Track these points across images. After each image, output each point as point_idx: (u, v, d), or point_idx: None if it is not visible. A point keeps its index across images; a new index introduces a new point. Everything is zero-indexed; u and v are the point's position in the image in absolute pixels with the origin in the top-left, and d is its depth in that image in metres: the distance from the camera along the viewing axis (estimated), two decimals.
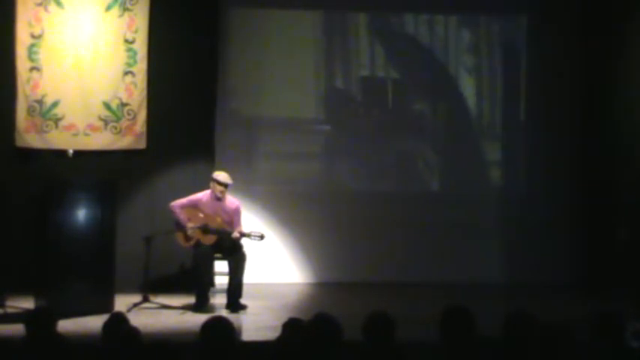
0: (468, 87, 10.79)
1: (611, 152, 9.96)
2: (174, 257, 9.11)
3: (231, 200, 8.63)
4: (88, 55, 9.24)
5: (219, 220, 8.47)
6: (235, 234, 8.38)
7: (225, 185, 8.50)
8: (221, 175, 8.56)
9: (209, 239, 8.43)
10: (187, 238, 8.46)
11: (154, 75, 9.41)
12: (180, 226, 8.47)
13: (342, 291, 9.53)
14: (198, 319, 6.14)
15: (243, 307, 8.38)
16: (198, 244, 8.44)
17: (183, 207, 8.50)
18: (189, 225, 8.41)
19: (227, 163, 9.86)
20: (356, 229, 10.11)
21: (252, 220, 9.44)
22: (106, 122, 9.32)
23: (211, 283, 8.91)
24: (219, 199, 8.50)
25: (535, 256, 10.24)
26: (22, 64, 9.14)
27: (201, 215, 8.49)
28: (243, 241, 8.48)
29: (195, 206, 8.53)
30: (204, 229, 8.42)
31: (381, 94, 10.65)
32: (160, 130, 9.43)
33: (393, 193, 10.49)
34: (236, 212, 8.56)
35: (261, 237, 8.45)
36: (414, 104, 10.76)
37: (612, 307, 4.98)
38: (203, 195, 8.59)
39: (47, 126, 9.18)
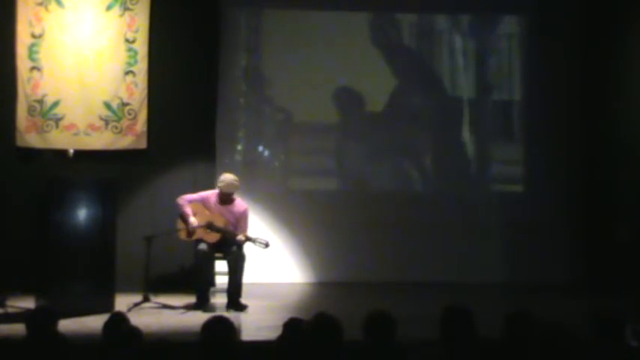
0: (468, 87, 10.79)
1: (611, 152, 9.97)
2: (174, 257, 9.12)
3: (240, 203, 8.60)
4: (88, 54, 9.25)
5: (224, 220, 8.46)
6: (241, 237, 8.35)
7: (229, 194, 8.49)
8: (223, 184, 8.53)
9: (212, 237, 8.40)
10: (189, 232, 8.44)
11: (154, 75, 9.42)
12: (183, 220, 8.44)
13: (342, 291, 9.52)
14: (198, 319, 6.14)
15: (244, 307, 8.36)
16: (199, 241, 8.43)
17: (192, 201, 8.49)
18: (192, 219, 8.38)
19: (227, 163, 9.88)
20: (356, 229, 10.11)
21: (252, 220, 9.42)
22: (106, 122, 9.33)
23: (211, 283, 8.90)
24: (227, 200, 8.49)
25: (535, 256, 10.24)
26: (22, 63, 9.15)
27: (207, 212, 8.48)
28: (247, 245, 8.46)
29: (203, 203, 8.51)
30: (210, 227, 8.39)
31: (381, 95, 10.65)
32: (160, 130, 9.44)
33: (392, 194, 10.49)
34: (243, 215, 8.53)
35: (266, 245, 8.41)
36: (414, 104, 10.75)
37: (612, 306, 4.97)
38: (212, 194, 8.58)
39: (48, 126, 9.19)
